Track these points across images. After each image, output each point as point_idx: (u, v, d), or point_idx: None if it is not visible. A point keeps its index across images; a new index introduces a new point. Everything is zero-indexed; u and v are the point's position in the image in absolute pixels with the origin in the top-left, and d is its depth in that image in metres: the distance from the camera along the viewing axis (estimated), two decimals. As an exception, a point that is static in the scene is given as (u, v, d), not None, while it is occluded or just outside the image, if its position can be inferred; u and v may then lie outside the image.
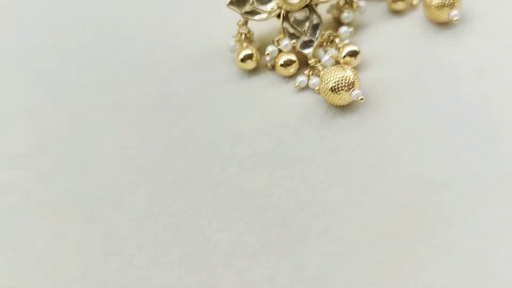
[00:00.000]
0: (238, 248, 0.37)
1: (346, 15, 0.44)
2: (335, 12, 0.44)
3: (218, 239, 0.37)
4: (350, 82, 0.39)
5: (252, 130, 0.41)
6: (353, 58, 0.42)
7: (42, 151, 0.42)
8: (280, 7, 0.42)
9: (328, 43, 0.43)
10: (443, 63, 0.42)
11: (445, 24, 0.44)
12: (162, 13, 0.48)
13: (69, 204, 0.39)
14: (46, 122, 0.43)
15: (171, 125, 0.42)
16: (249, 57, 0.43)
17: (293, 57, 0.42)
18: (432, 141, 0.39)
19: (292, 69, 0.42)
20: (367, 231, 0.36)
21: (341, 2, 0.44)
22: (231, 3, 0.42)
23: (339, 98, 0.40)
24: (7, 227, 0.39)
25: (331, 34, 0.43)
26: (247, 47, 0.43)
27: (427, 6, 0.43)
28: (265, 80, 0.43)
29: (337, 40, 0.43)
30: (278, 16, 0.42)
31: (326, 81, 0.40)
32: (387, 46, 0.43)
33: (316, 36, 0.42)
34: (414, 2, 0.45)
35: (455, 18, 0.43)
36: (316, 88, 0.41)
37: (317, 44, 0.43)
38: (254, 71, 0.43)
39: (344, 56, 0.42)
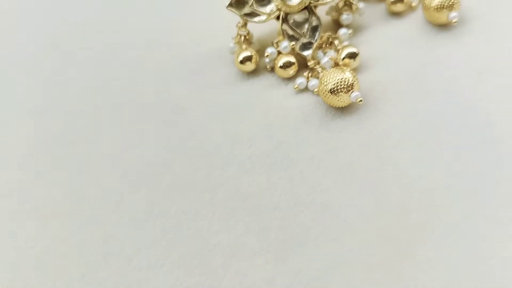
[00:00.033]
0: (238, 249, 0.37)
1: (345, 17, 0.44)
2: (334, 14, 0.45)
3: (217, 240, 0.37)
4: (349, 84, 0.40)
5: (251, 131, 0.41)
6: (352, 60, 0.42)
7: (42, 152, 0.42)
8: (279, 9, 0.42)
9: (327, 45, 0.43)
10: (442, 65, 0.42)
11: (444, 26, 0.44)
12: (161, 15, 0.48)
13: (68, 205, 0.39)
14: (46, 123, 0.43)
15: (170, 127, 0.42)
16: (248, 59, 0.43)
17: (292, 59, 0.42)
18: (431, 142, 0.39)
19: (291, 71, 0.42)
20: (366, 233, 0.36)
21: (340, 4, 0.44)
22: (230, 5, 0.42)
23: (338, 100, 0.40)
24: (7, 228, 0.39)
25: (330, 36, 0.43)
26: (246, 49, 0.43)
27: (426, 8, 0.44)
28: (264, 82, 0.43)
29: (336, 42, 0.43)
30: (278, 18, 0.42)
31: (325, 83, 0.40)
32: (386, 48, 0.43)
33: (315, 38, 0.42)
34: (413, 4, 0.45)
35: (454, 20, 0.43)
36: (315, 90, 0.41)
37: (316, 46, 0.43)
38: (253, 73, 0.43)
39: (343, 58, 0.42)
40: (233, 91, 0.43)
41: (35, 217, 0.39)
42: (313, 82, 0.42)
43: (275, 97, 0.42)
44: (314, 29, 0.43)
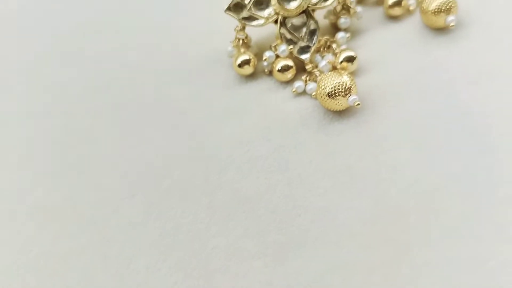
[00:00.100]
0: (236, 252, 0.37)
1: (343, 21, 0.44)
2: (332, 17, 0.45)
3: (215, 244, 0.37)
4: (346, 87, 0.40)
5: (249, 135, 0.41)
6: (350, 64, 0.42)
7: (41, 154, 0.42)
8: (277, 13, 0.42)
9: (325, 49, 0.43)
10: (439, 68, 0.42)
11: (441, 30, 0.44)
12: (160, 18, 0.48)
13: (67, 208, 0.39)
14: (46, 126, 0.43)
15: (169, 130, 0.42)
16: (246, 62, 0.43)
17: (290, 62, 0.42)
18: (429, 145, 0.39)
19: (289, 75, 0.43)
20: (364, 236, 0.36)
21: (338, 8, 0.44)
22: (229, 9, 0.42)
23: (336, 104, 0.40)
24: (6, 231, 0.39)
25: (328, 39, 0.43)
26: (244, 52, 0.43)
27: (423, 12, 0.44)
28: (262, 85, 0.43)
29: (334, 45, 0.43)
30: (276, 22, 0.42)
31: (323, 87, 0.40)
32: (383, 51, 0.44)
33: (313, 42, 0.42)
34: (411, 8, 0.45)
35: (452, 24, 0.43)
36: (313, 93, 0.41)
37: (314, 50, 0.43)
38: (251, 77, 0.44)
39: (341, 62, 0.42)
40: (231, 94, 0.43)
41: (34, 219, 0.39)
42: (311, 85, 0.42)
43: (273, 100, 0.42)
44: (312, 33, 0.43)
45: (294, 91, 0.42)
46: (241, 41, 0.43)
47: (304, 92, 0.42)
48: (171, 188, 0.39)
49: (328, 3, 0.42)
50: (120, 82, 0.45)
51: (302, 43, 0.43)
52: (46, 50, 0.47)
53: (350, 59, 0.42)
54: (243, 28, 0.43)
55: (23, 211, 0.40)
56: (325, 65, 0.42)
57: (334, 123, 0.41)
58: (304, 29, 0.43)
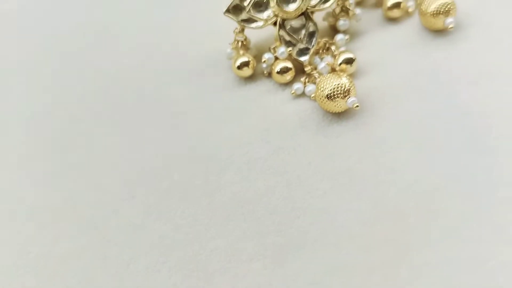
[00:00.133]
0: (235, 254, 0.37)
1: (342, 23, 0.44)
2: (331, 19, 0.45)
3: (214, 246, 0.37)
4: (345, 89, 0.40)
5: (248, 136, 0.41)
6: (349, 66, 0.42)
7: (40, 157, 0.42)
8: (276, 15, 0.42)
9: (324, 51, 0.43)
10: (438, 70, 0.42)
11: (440, 32, 0.44)
12: (159, 20, 0.48)
13: (67, 209, 0.39)
14: (45, 128, 0.43)
15: (168, 131, 0.42)
16: (245, 64, 0.43)
17: (289, 64, 0.43)
18: (428, 147, 0.39)
19: (288, 77, 0.43)
20: (363, 237, 0.36)
21: (337, 10, 0.44)
22: (228, 11, 0.42)
23: (335, 105, 0.40)
24: (5, 232, 0.39)
25: (327, 41, 0.44)
26: (243, 54, 0.43)
27: (422, 14, 0.44)
28: (261, 87, 0.43)
29: (333, 47, 0.43)
30: (275, 24, 0.42)
31: (322, 89, 0.40)
32: (382, 53, 0.44)
33: (312, 44, 0.43)
34: (410, 10, 0.45)
35: (450, 26, 0.43)
36: (312, 95, 0.42)
37: (313, 52, 0.43)
38: (250, 78, 0.44)
39: (340, 64, 0.42)
40: (230, 96, 0.43)
41: (33, 221, 0.39)
42: (310, 87, 0.42)
43: (272, 102, 0.42)
44: (311, 35, 0.43)
45: (293, 93, 0.42)
46: (240, 43, 0.43)
47: (303, 94, 0.42)
48: (170, 189, 0.39)
49: (327, 5, 0.42)
50: (120, 82, 0.45)
51: (301, 45, 0.43)
52: (46, 50, 0.47)
53: (349, 61, 0.42)
54: (242, 30, 0.43)
55: (23, 211, 0.40)
56: (324, 67, 0.42)
57: (333, 125, 0.41)
58: (303, 31, 0.43)
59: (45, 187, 0.40)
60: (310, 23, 0.43)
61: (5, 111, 0.45)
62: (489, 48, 0.43)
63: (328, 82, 0.40)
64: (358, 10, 0.44)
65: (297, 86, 0.42)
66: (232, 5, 0.42)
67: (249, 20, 0.42)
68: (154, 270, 0.37)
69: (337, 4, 0.44)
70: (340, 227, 0.37)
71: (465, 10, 0.45)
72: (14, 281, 0.37)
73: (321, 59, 0.43)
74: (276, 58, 0.43)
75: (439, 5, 0.43)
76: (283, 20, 0.42)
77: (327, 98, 0.40)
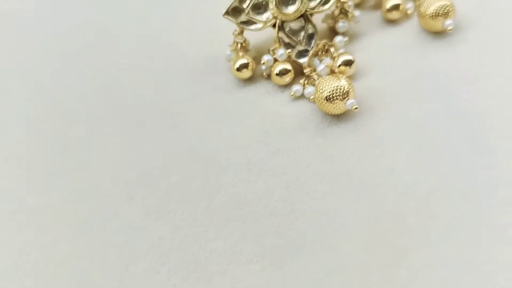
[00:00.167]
0: (234, 256, 0.37)
1: (341, 25, 0.44)
2: (330, 21, 0.45)
3: (213, 247, 0.37)
4: (344, 91, 0.40)
5: (248, 138, 0.41)
6: (348, 67, 0.42)
7: (40, 157, 0.42)
8: (275, 17, 0.42)
9: (323, 53, 0.44)
10: (437, 72, 0.42)
11: (439, 33, 0.44)
12: (158, 22, 0.48)
13: (65, 212, 0.39)
14: (45, 128, 0.43)
15: (167, 133, 0.42)
16: (244, 66, 0.43)
17: (288, 66, 0.43)
18: (427, 149, 0.39)
19: (287, 78, 0.43)
20: (362, 239, 0.36)
21: (336, 12, 0.44)
22: (227, 13, 0.42)
23: (334, 107, 0.40)
24: (5, 233, 0.39)
25: (326, 43, 0.44)
26: (243, 56, 0.43)
27: (421, 16, 0.44)
28: (260, 89, 0.43)
29: (332, 49, 0.43)
30: (274, 26, 0.42)
31: (321, 90, 0.40)
32: (381, 55, 0.44)
33: (311, 46, 0.43)
34: (409, 12, 0.45)
35: (449, 28, 0.43)
36: (311, 97, 0.42)
37: (312, 54, 0.43)
38: (249, 80, 0.44)
39: (339, 65, 0.42)
40: (230, 98, 0.43)
41: (31, 224, 0.39)
42: (309, 89, 0.42)
43: (271, 104, 0.42)
44: (310, 37, 0.43)
45: (292, 95, 0.42)
46: (239, 45, 0.43)
47: (302, 96, 0.42)
48: (170, 191, 0.39)
49: (326, 7, 0.42)
50: (120, 82, 0.45)
51: (300, 47, 0.43)
52: (46, 50, 0.47)
53: (348, 63, 0.42)
54: (242, 32, 0.43)
55: (22, 213, 0.40)
56: (323, 69, 0.42)
57: (332, 127, 0.41)
58: (302, 33, 0.43)
59: (45, 188, 0.41)
60: (309, 25, 0.43)
61: (5, 111, 0.45)
62: (488, 50, 0.43)
63: (327, 84, 0.40)
64: (357, 12, 0.44)
65: (296, 88, 0.42)
66: (231, 7, 0.42)
67: (248, 22, 0.42)
68: (154, 272, 0.37)
69: (336, 6, 0.44)
70: (339, 229, 0.37)
71: (464, 12, 0.45)
72: (14, 282, 0.37)
73: (320, 61, 0.43)
74: (275, 60, 0.43)
75: (438, 7, 0.43)
76: (282, 22, 0.42)
77: (326, 100, 0.40)
